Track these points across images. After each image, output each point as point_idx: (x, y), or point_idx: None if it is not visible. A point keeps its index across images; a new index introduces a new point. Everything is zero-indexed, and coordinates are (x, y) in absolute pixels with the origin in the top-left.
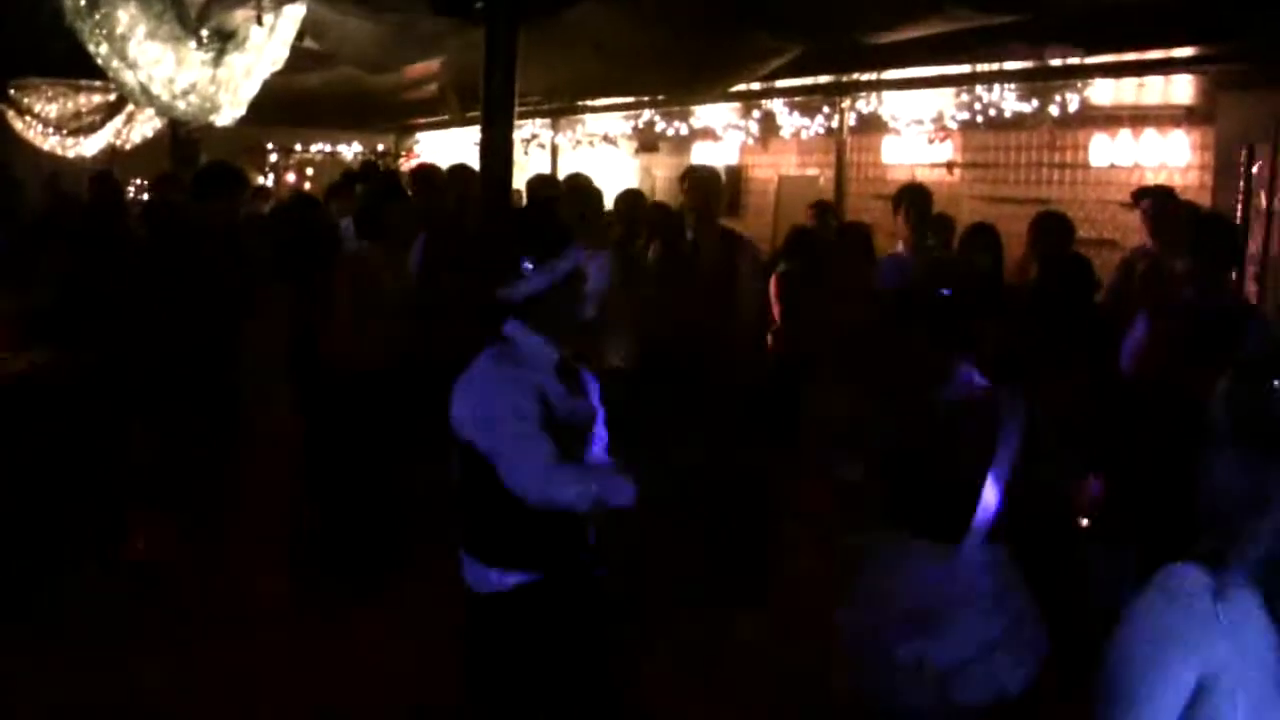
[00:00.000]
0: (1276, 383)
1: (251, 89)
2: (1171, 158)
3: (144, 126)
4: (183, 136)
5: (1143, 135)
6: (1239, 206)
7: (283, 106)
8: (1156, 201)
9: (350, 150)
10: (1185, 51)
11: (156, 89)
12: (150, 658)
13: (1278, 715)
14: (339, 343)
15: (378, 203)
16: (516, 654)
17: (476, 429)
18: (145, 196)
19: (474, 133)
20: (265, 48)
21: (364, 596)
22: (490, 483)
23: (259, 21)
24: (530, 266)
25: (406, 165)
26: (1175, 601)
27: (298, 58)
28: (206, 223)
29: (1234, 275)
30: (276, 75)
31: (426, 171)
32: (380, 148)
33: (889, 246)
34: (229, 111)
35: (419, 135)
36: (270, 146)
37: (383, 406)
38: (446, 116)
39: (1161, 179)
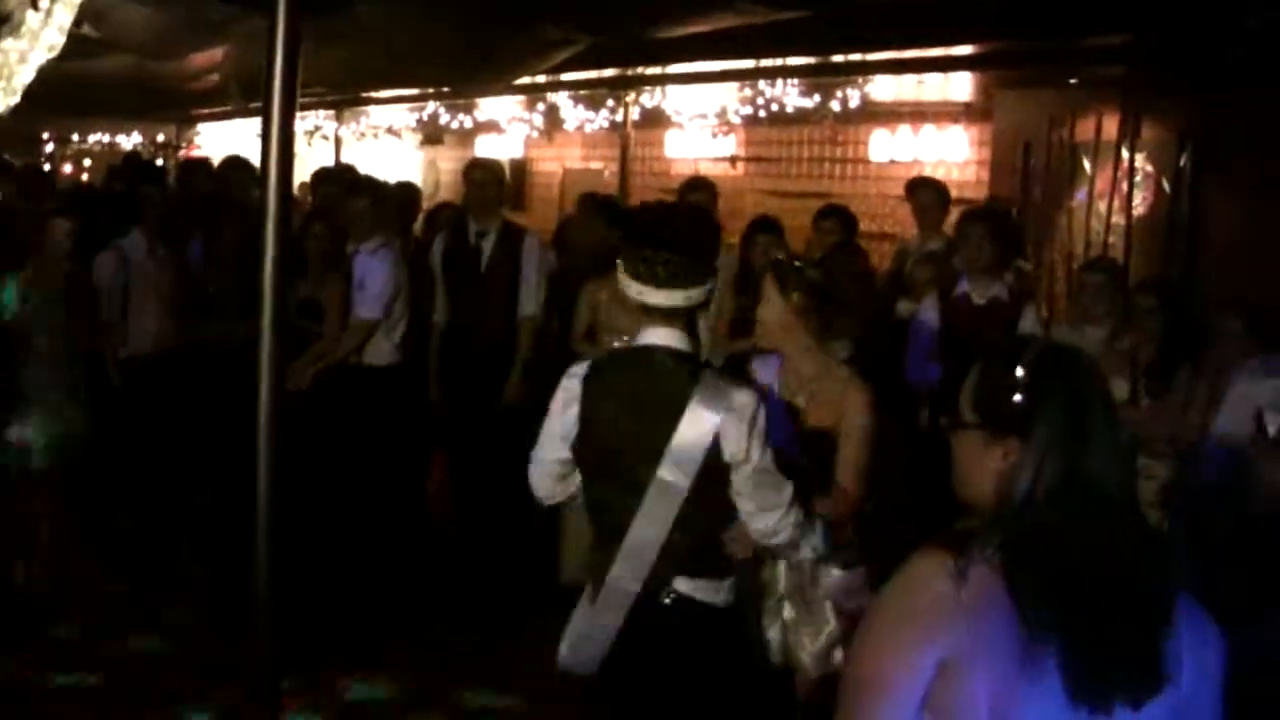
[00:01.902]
0: (1018, 369)
1: (26, 76)
2: (950, 153)
3: None
4: None
5: (922, 131)
6: (1016, 201)
7: (60, 95)
8: (927, 193)
9: (130, 141)
10: (964, 50)
11: None
12: None
13: (1019, 693)
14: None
15: (134, 191)
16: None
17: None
18: None
19: (257, 124)
20: (41, 33)
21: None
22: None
23: (34, 6)
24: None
25: (187, 156)
26: (916, 584)
27: (76, 44)
28: None
29: (1010, 267)
30: (53, 62)
31: (195, 163)
32: (160, 138)
33: None
34: (1, 99)
35: (201, 126)
36: (46, 136)
37: (158, 397)
38: (229, 107)
39: (940, 174)
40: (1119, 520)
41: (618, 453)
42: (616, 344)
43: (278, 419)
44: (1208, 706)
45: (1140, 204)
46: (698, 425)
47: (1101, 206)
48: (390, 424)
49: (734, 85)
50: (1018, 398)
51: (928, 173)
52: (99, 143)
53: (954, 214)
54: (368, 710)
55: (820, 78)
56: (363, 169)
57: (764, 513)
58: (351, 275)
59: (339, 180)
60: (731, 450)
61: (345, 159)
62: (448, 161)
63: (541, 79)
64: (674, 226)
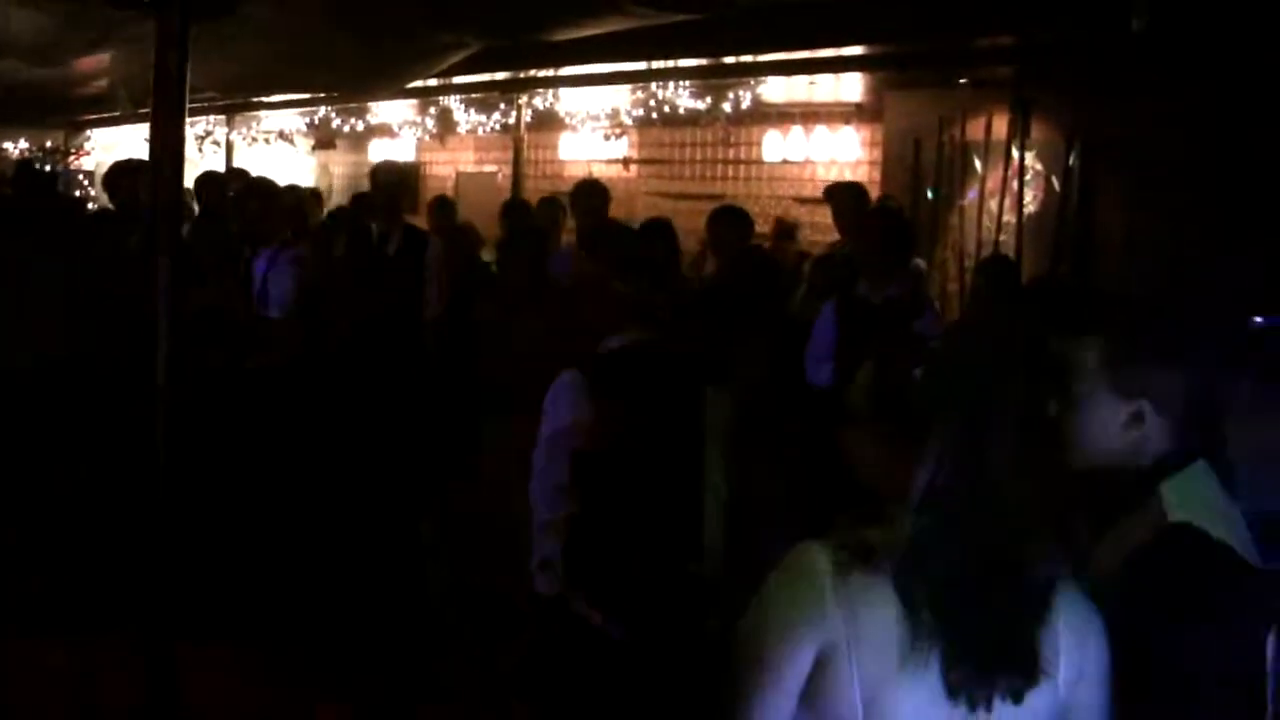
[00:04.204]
0: (916, 368)
1: None
2: (841, 153)
3: None
4: None
5: (814, 131)
6: (907, 200)
7: None
8: (845, 197)
9: (17, 147)
10: (855, 51)
11: None
12: None
13: (897, 688)
14: None
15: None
16: None
17: None
18: None
19: (147, 129)
20: None
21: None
22: None
23: None
24: None
25: (76, 162)
26: (798, 577)
27: None
28: None
29: (907, 267)
30: None
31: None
32: (49, 144)
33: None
34: None
35: (91, 131)
36: None
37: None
38: (118, 113)
39: (833, 174)
40: (1009, 516)
41: None
42: None
43: (173, 430)
44: (1093, 698)
45: (1031, 202)
46: None
47: (993, 205)
48: (293, 422)
49: (626, 87)
50: (915, 396)
51: (820, 173)
52: None
53: None
54: None
55: (712, 79)
56: (255, 174)
57: None
58: (251, 278)
59: (225, 183)
60: None
61: (237, 164)
62: (340, 166)
63: (434, 82)
64: None
